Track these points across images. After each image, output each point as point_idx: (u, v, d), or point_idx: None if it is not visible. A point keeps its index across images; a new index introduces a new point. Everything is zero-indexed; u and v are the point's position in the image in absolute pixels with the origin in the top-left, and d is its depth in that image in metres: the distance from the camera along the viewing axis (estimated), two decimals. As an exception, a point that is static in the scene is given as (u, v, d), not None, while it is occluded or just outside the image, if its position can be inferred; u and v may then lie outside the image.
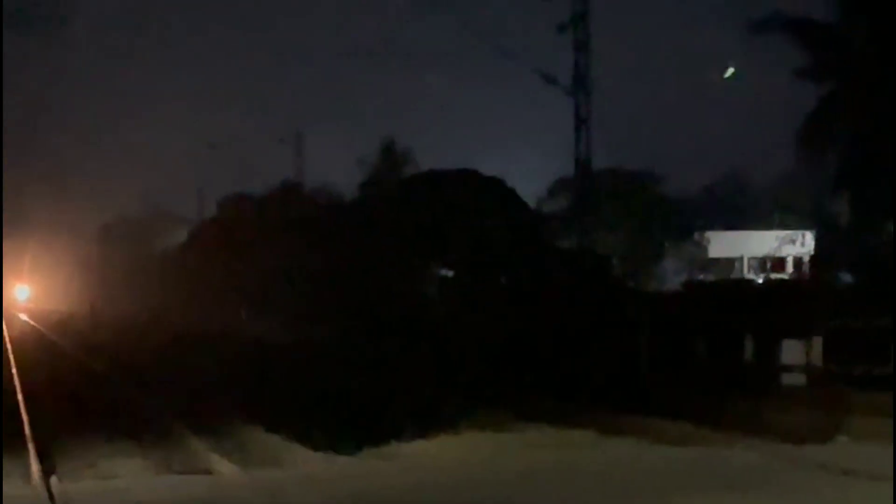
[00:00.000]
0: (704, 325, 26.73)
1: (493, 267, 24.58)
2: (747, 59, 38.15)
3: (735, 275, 47.27)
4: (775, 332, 24.80)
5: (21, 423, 19.43)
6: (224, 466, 15.07)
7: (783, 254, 43.67)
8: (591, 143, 34.95)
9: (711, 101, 43.26)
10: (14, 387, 25.47)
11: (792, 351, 24.37)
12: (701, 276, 42.50)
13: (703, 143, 41.82)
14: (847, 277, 30.94)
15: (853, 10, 30.81)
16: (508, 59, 38.83)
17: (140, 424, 19.35)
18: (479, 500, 12.08)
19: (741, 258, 50.73)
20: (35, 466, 15.32)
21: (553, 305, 24.69)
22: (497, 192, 27.42)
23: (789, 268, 43.97)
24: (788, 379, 24.04)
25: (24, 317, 72.11)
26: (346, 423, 18.37)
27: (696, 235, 47.70)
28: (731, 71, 37.63)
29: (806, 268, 37.80)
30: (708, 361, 25.94)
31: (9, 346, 39.45)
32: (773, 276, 41.74)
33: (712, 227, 49.46)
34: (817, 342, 24.25)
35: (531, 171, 37.37)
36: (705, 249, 47.77)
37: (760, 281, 39.44)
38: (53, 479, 13.89)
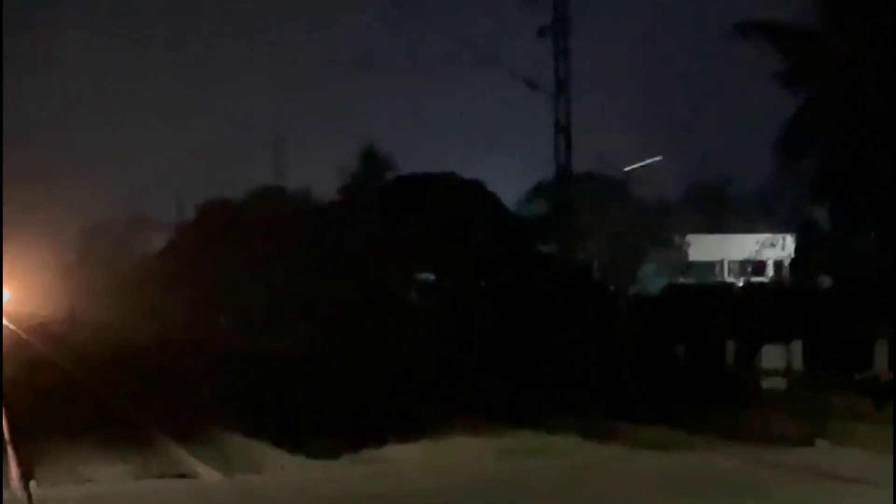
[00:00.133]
0: (685, 330, 26.77)
1: (473, 271, 24.56)
2: (727, 63, 38.29)
3: (716, 278, 47.34)
4: (756, 337, 24.85)
5: (-1, 428, 19.36)
6: (204, 471, 15.02)
7: (763, 257, 43.73)
8: (571, 147, 34.94)
9: (693, 106, 43.41)
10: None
11: (772, 355, 24.41)
12: (681, 280, 42.53)
13: (684, 148, 42.01)
14: (827, 281, 30.98)
15: (833, 16, 30.87)
16: (488, 64, 38.79)
17: (120, 430, 19.28)
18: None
19: (722, 262, 50.81)
20: (14, 471, 15.24)
21: (533, 310, 24.70)
22: (478, 196, 27.44)
23: (770, 272, 44.02)
24: (769, 383, 24.08)
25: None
26: (326, 428, 18.34)
27: (677, 239, 47.75)
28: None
29: (786, 272, 37.83)
30: (689, 366, 25.97)
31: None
32: (754, 279, 41.79)
33: (693, 231, 49.51)
34: (797, 347, 24.30)
35: (512, 176, 37.44)
36: (685, 253, 47.82)
37: (741, 285, 39.49)
38: (32, 484, 13.82)
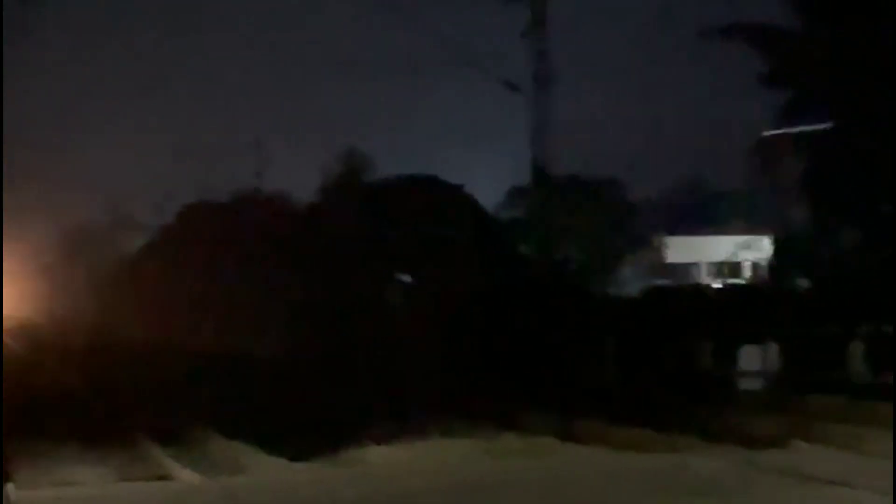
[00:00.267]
0: (663, 331, 26.84)
1: (452, 273, 24.58)
2: (710, 64, 38.33)
3: (693, 280, 47.43)
4: (733, 338, 24.93)
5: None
6: (183, 473, 14.99)
7: (741, 259, 43.87)
8: (550, 149, 35.02)
9: (672, 107, 43.44)
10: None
11: (750, 356, 24.50)
12: (660, 282, 42.60)
13: (663, 149, 42.03)
14: (804, 283, 31.11)
15: (813, 18, 31.00)
16: (468, 65, 38.82)
17: (99, 431, 19.20)
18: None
19: (699, 264, 50.91)
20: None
21: (513, 312, 24.74)
22: (456, 198, 27.48)
23: (747, 273, 44.14)
24: (747, 384, 24.17)
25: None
26: (307, 430, 18.32)
27: (655, 241, 47.86)
28: None
29: (763, 273, 37.95)
30: (668, 367, 26.03)
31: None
32: (731, 281, 41.90)
33: (671, 233, 49.62)
34: (774, 348, 24.40)
35: (491, 178, 37.47)
36: (664, 255, 47.93)
37: (718, 286, 39.59)
38: (10, 487, 13.76)
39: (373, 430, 18.18)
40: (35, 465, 16.30)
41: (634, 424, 18.64)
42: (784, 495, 12.48)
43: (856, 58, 28.53)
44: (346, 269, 23.87)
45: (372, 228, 24.75)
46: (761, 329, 24.84)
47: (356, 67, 44.55)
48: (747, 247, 40.31)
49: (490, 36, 38.64)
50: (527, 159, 34.27)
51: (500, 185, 38.55)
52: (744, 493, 12.57)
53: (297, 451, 16.59)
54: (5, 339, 43.30)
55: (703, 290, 36.26)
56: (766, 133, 31.68)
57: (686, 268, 49.54)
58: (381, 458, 16.64)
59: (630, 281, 41.62)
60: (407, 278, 25.25)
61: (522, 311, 24.58)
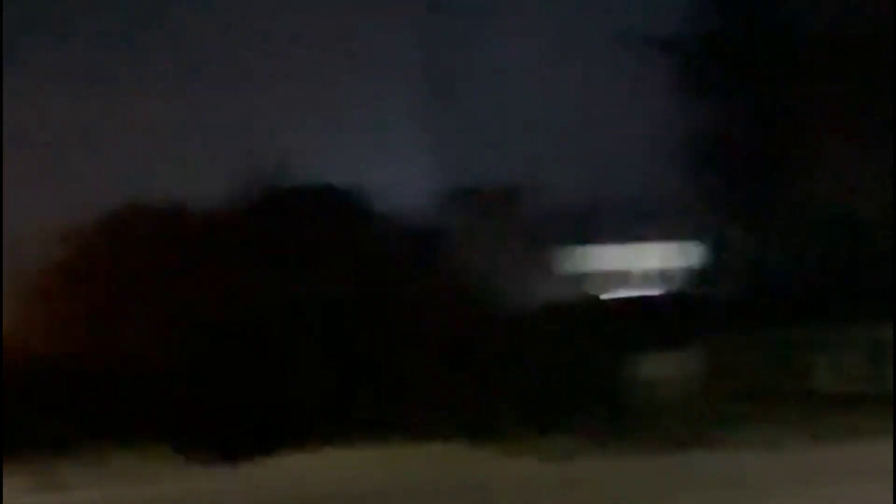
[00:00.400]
0: (587, 340, 26.83)
1: (358, 282, 24.48)
2: (630, 73, 38.49)
3: (617, 289, 47.58)
4: (655, 345, 24.99)
5: None
6: (97, 484, 14.78)
7: (665, 266, 44.09)
8: (468, 157, 34.96)
9: (599, 116, 43.63)
10: None
11: (671, 364, 24.58)
12: (584, 291, 42.64)
13: (589, 158, 42.14)
14: (727, 290, 31.26)
15: (734, 27, 31.23)
16: (370, 69, 38.69)
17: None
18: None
19: (623, 272, 51.09)
20: None
21: (423, 322, 24.66)
22: (364, 208, 27.43)
23: (671, 281, 44.30)
24: (668, 391, 24.24)
25: None
26: (212, 438, 18.11)
27: (581, 249, 47.97)
28: None
29: (687, 281, 38.13)
30: (590, 374, 26.04)
31: None
32: (655, 289, 42.06)
33: (596, 242, 49.74)
34: (696, 355, 24.49)
35: (404, 187, 37.34)
36: (589, 264, 48.05)
37: (643, 294, 39.72)
38: None
39: (269, 438, 17.99)
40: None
41: (546, 431, 18.62)
42: (700, 500, 12.51)
43: (766, 64, 28.79)
44: (253, 277, 23.67)
45: (267, 236, 24.64)
46: (670, 337, 24.94)
47: (253, 72, 44.49)
48: (657, 254, 40.55)
49: (391, 40, 38.48)
50: (430, 166, 34.15)
51: (402, 192, 38.52)
52: (658, 500, 12.58)
53: (193, 460, 16.40)
54: None
55: (626, 298, 36.38)
56: (690, 138, 31.85)
57: (595, 276, 49.67)
58: (289, 466, 16.51)
59: (537, 290, 41.63)
60: (303, 286, 25.10)
61: (424, 319, 24.51)
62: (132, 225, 27.58)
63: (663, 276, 41.62)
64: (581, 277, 45.62)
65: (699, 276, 31.44)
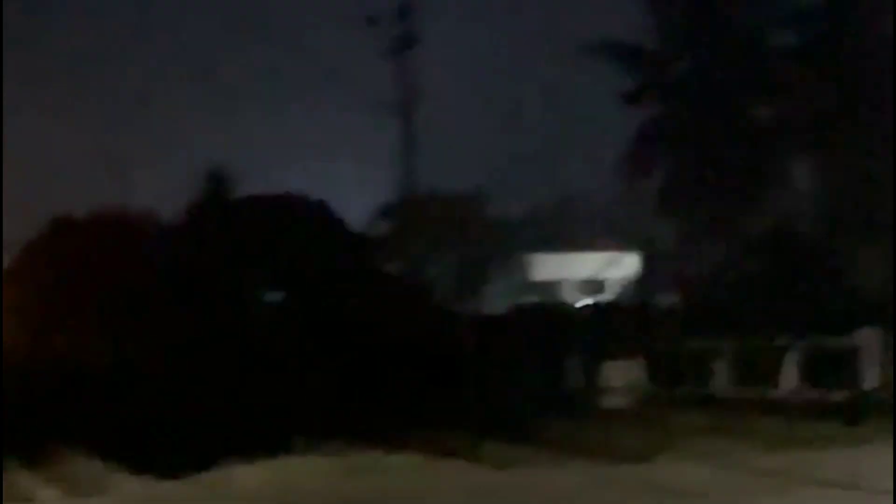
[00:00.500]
0: (528, 348, 26.87)
1: (315, 291, 24.42)
2: (576, 81, 38.65)
3: (559, 297, 47.68)
4: (599, 355, 25.08)
5: None
6: (45, 495, 14.65)
7: (607, 276, 44.28)
8: (417, 166, 35.12)
9: (541, 124, 43.70)
10: None
11: (615, 373, 24.67)
12: (526, 299, 42.74)
13: (530, 165, 42.23)
14: (669, 299, 31.44)
15: (674, 36, 31.46)
16: (335, 83, 38.73)
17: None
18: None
19: (565, 280, 51.18)
20: None
21: (377, 330, 24.63)
22: (320, 216, 27.33)
23: (613, 290, 44.53)
24: (612, 401, 24.31)
25: None
26: (171, 448, 18.01)
27: (521, 258, 48.04)
28: None
29: (629, 290, 38.34)
30: (533, 383, 26.08)
31: None
32: (597, 298, 42.22)
33: (537, 250, 49.83)
34: (640, 364, 24.60)
35: (359, 196, 37.36)
36: (530, 272, 48.13)
37: (583, 303, 39.86)
38: None
39: (237, 449, 17.91)
40: None
41: (499, 440, 18.63)
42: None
43: (721, 75, 29.06)
44: (208, 287, 23.56)
45: (232, 247, 24.50)
46: (627, 345, 25.04)
47: (218, 85, 44.11)
48: (614, 263, 40.72)
49: (354, 54, 38.45)
50: (392, 176, 34.29)
51: (364, 201, 38.56)
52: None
53: (161, 470, 16.29)
54: None
55: (568, 307, 36.47)
56: (633, 148, 32.02)
57: (553, 285, 49.81)
58: (243, 477, 16.42)
59: (496, 298, 41.70)
60: (269, 296, 25.01)
61: (386, 330, 24.49)
62: (85, 234, 27.43)
63: (615, 285, 41.87)
64: (532, 286, 45.81)
65: (650, 286, 31.66)
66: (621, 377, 24.31)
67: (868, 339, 20.36)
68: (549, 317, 29.05)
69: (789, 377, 21.24)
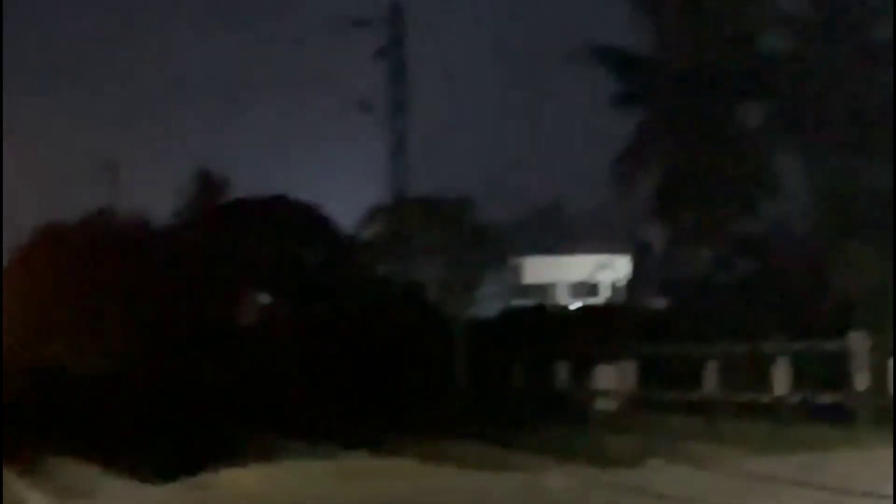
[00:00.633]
0: (521, 352, 26.89)
1: (307, 294, 24.45)
2: (566, 85, 38.69)
3: (551, 300, 47.70)
4: (589, 358, 25.09)
5: None
6: (37, 499, 14.63)
7: (598, 279, 44.31)
8: (407, 169, 35.07)
9: (531, 128, 43.78)
10: None
11: (605, 376, 24.67)
12: (518, 302, 42.74)
13: (521, 169, 42.29)
14: (660, 303, 31.44)
15: (664, 40, 31.43)
16: (326, 86, 38.71)
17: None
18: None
19: (557, 284, 51.19)
20: None
21: (369, 333, 24.65)
22: (310, 218, 27.34)
23: (604, 293, 44.56)
24: (602, 404, 24.33)
25: None
26: (160, 453, 18.00)
27: (512, 261, 48.02)
28: None
29: (620, 293, 38.33)
30: (524, 387, 26.10)
31: None
32: (588, 301, 42.24)
33: (529, 253, 49.83)
34: (630, 367, 24.59)
35: (349, 199, 37.33)
36: (521, 275, 48.12)
37: (575, 306, 39.86)
38: None
39: (227, 452, 17.90)
40: None
41: (490, 444, 18.63)
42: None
43: (711, 78, 29.05)
44: (198, 290, 23.56)
45: (226, 248, 24.50)
46: (618, 348, 25.04)
47: (209, 88, 44.09)
48: (605, 266, 40.75)
49: (345, 56, 38.46)
50: (384, 179, 34.25)
51: (356, 204, 38.55)
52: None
53: (151, 474, 16.29)
54: None
55: (560, 310, 36.49)
56: (623, 152, 32.00)
57: (544, 288, 49.81)
58: (234, 481, 16.40)
59: (488, 301, 41.70)
60: (261, 299, 25.04)
61: (378, 332, 24.51)
62: (79, 238, 27.43)
63: (607, 288, 41.90)
64: (524, 289, 45.81)
65: (638, 289, 31.65)
66: (611, 380, 24.32)
67: (858, 342, 20.37)
68: (539, 320, 29.12)
69: (780, 381, 21.23)
